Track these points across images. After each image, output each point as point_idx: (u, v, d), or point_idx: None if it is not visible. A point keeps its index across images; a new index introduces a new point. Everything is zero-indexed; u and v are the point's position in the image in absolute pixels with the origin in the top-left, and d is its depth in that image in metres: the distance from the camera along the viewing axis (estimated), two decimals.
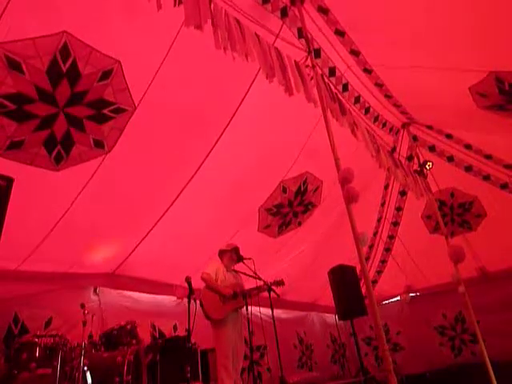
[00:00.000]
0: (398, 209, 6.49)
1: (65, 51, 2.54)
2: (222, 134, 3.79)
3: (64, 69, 2.61)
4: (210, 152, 3.87)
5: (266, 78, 2.40)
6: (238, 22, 2.25)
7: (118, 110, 3.00)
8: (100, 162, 3.25)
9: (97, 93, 2.82)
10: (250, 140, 4.03)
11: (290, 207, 5.12)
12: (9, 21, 2.30)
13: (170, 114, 3.34)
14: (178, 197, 4.06)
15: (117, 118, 3.03)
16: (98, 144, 3.11)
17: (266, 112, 3.87)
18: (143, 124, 3.19)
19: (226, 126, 3.75)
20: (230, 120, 3.72)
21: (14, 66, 2.46)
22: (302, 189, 4.99)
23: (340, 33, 3.45)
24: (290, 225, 5.36)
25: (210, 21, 2.02)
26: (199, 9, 1.93)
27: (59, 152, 2.97)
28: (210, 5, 2.07)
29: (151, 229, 4.21)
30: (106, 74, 2.78)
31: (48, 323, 3.88)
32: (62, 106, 2.78)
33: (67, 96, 2.74)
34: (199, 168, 3.95)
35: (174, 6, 1.97)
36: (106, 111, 2.95)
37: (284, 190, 4.85)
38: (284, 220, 5.22)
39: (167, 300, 4.98)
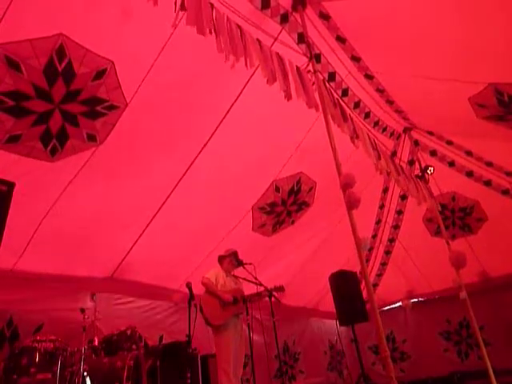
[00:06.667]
0: (399, 212, 6.47)
1: (61, 52, 2.67)
2: (214, 132, 3.80)
3: (60, 69, 2.74)
4: (202, 150, 3.88)
5: (267, 82, 2.41)
6: (239, 27, 2.26)
7: (111, 107, 3.12)
8: (92, 153, 3.36)
9: (91, 91, 2.95)
10: (242, 139, 4.03)
11: (284, 206, 5.12)
12: (9, 23, 2.42)
13: (162, 111, 3.41)
14: (169, 196, 4.06)
15: (109, 114, 3.16)
16: (91, 138, 3.25)
17: (260, 111, 3.87)
18: (135, 120, 3.29)
19: (219, 125, 3.76)
20: (223, 118, 3.73)
21: (13, 65, 2.59)
22: (296, 189, 5.01)
23: (341, 39, 3.46)
24: (284, 223, 5.36)
25: (211, 27, 2.04)
26: (202, 16, 1.94)
27: (54, 145, 3.12)
28: (212, 11, 2.08)
29: (146, 227, 4.20)
30: (100, 74, 2.90)
31: (38, 329, 3.83)
32: (58, 103, 2.90)
33: (62, 94, 2.87)
34: (191, 165, 3.95)
35: (175, 11, 1.98)
36: (99, 108, 3.08)
37: (277, 190, 4.85)
38: (278, 219, 5.22)
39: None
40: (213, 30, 2.06)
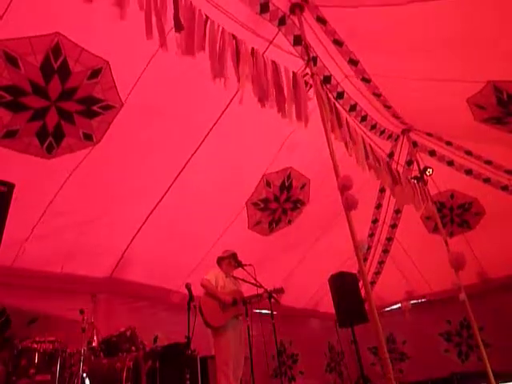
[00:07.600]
0: (397, 211, 6.46)
1: (56, 50, 2.75)
2: (209, 131, 3.83)
3: (55, 66, 2.81)
4: (198, 148, 3.92)
5: (258, 101, 2.42)
6: (234, 37, 2.26)
7: (107, 107, 3.18)
8: (88, 152, 3.40)
9: (86, 90, 3.02)
10: (235, 135, 4.04)
11: (277, 202, 5.10)
12: (9, 21, 2.51)
13: (157, 111, 3.44)
14: (165, 194, 4.09)
15: (105, 114, 3.22)
16: (87, 137, 3.30)
17: (252, 107, 3.87)
18: (130, 120, 3.34)
19: (215, 123, 3.79)
20: (219, 118, 3.77)
21: (11, 60, 2.68)
22: (287, 184, 4.99)
23: (338, 42, 3.45)
24: (281, 222, 5.35)
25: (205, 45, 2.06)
26: (194, 35, 1.95)
27: (50, 142, 3.17)
28: (206, 23, 2.08)
29: (141, 226, 4.24)
30: (96, 73, 2.97)
31: (32, 321, 3.81)
32: (54, 100, 2.97)
33: (59, 91, 2.94)
34: (187, 163, 3.98)
35: (176, 32, 2.00)
36: (95, 107, 3.14)
37: (268, 184, 4.84)
38: (273, 217, 5.21)
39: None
40: (205, 51, 2.07)
